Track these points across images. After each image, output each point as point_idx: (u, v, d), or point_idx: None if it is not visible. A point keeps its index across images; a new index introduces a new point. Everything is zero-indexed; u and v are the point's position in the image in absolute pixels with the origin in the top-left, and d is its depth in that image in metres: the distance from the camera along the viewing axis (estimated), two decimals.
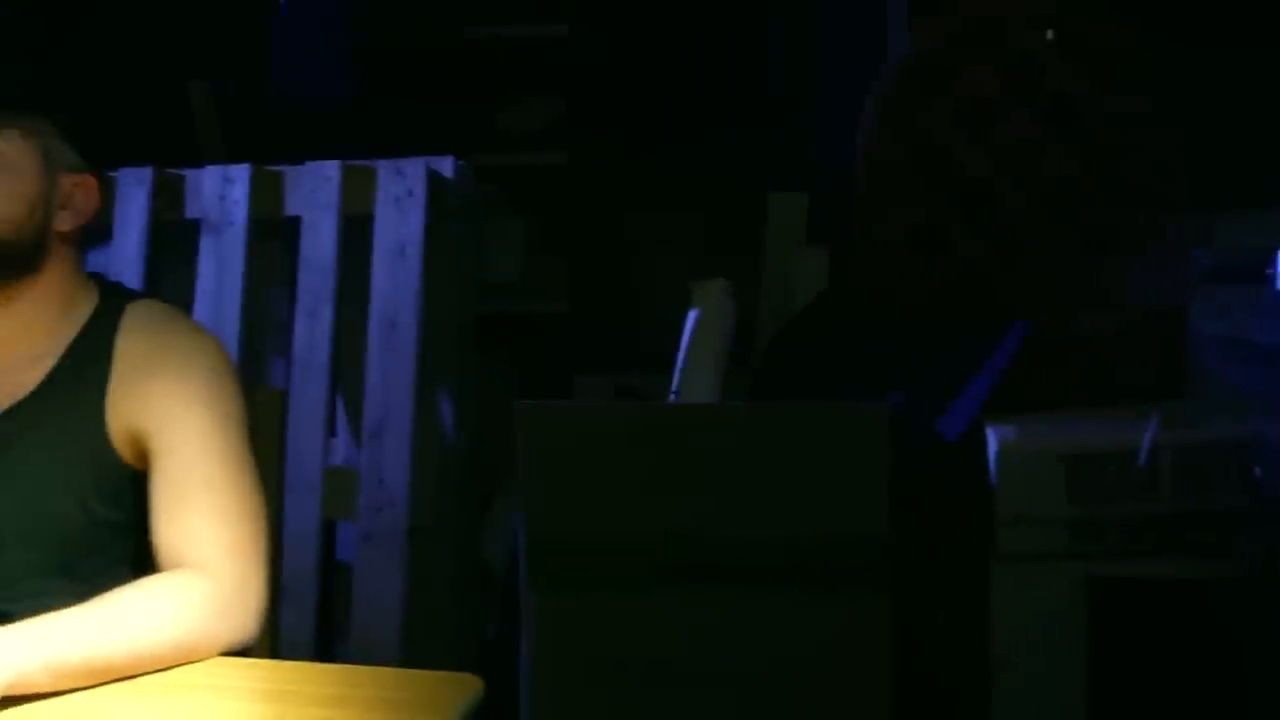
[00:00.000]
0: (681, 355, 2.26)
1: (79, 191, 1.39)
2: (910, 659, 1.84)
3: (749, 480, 1.82)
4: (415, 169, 2.29)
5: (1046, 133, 2.26)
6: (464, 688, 1.14)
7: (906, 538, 1.86)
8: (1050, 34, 2.26)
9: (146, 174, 2.42)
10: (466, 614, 2.51)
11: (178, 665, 1.20)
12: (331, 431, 2.35)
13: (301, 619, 2.18)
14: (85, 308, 1.42)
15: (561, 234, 3.35)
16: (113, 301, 1.43)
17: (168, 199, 2.44)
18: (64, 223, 1.38)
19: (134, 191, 2.42)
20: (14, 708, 1.09)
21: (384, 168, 2.31)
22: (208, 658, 1.22)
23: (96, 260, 2.35)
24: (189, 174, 2.45)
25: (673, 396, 2.23)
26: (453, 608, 2.43)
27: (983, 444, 1.91)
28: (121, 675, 1.16)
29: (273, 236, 2.44)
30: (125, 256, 2.39)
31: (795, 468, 1.81)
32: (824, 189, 2.63)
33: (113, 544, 1.39)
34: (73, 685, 1.13)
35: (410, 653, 2.18)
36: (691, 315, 2.29)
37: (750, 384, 2.30)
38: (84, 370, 1.38)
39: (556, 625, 1.87)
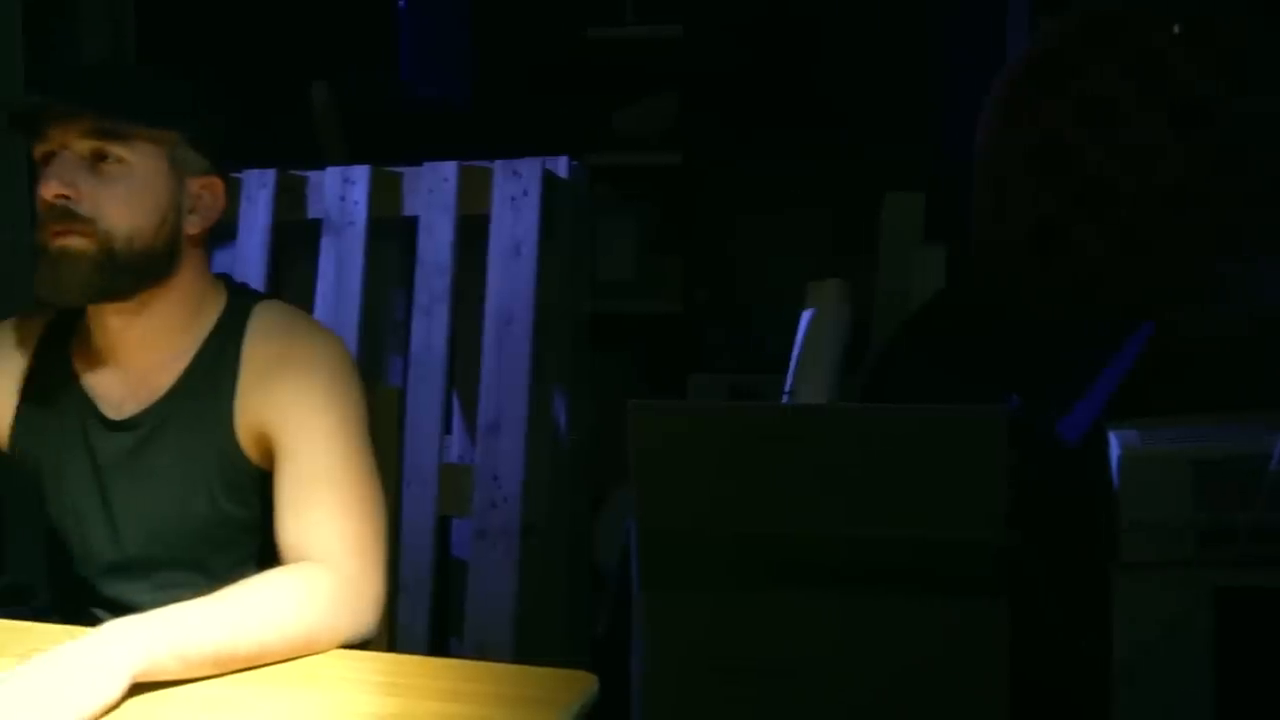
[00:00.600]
0: (796, 355, 2.25)
1: (206, 194, 1.42)
2: (1026, 666, 1.80)
3: (863, 482, 1.80)
4: (531, 169, 2.31)
5: (1172, 131, 2.20)
6: (579, 685, 1.14)
7: (1024, 542, 1.83)
8: (1176, 30, 2.20)
9: (270, 176, 2.48)
10: (577, 611, 2.52)
11: (300, 656, 1.22)
12: (447, 429, 2.38)
13: (416, 613, 2.21)
14: (214, 309, 1.46)
15: (675, 233, 3.35)
16: (240, 303, 1.47)
17: (290, 200, 2.49)
18: (193, 226, 1.42)
19: (258, 193, 2.47)
20: (144, 694, 1.12)
21: (500, 168, 2.33)
22: (329, 650, 1.24)
23: (222, 260, 2.41)
24: (310, 175, 2.50)
25: (786, 397, 2.22)
26: (564, 604, 2.44)
27: (1104, 448, 1.87)
28: (247, 665, 1.19)
29: (391, 236, 2.47)
30: (249, 256, 2.45)
31: (911, 470, 1.79)
32: (941, 188, 2.59)
33: (240, 542, 1.42)
34: (200, 673, 1.16)
35: (522, 648, 2.20)
36: (806, 315, 2.27)
37: (865, 384, 2.28)
38: (213, 372, 1.42)
39: (667, 623, 1.87)
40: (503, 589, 2.21)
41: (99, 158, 1.34)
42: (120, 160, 1.34)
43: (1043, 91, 2.23)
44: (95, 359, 1.45)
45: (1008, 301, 2.23)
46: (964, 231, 2.36)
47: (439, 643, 2.31)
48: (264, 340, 1.42)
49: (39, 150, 1.36)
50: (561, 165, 2.39)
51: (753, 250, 3.24)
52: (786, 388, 2.22)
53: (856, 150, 3.13)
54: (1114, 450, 1.84)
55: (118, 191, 1.34)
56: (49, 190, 1.32)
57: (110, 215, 1.34)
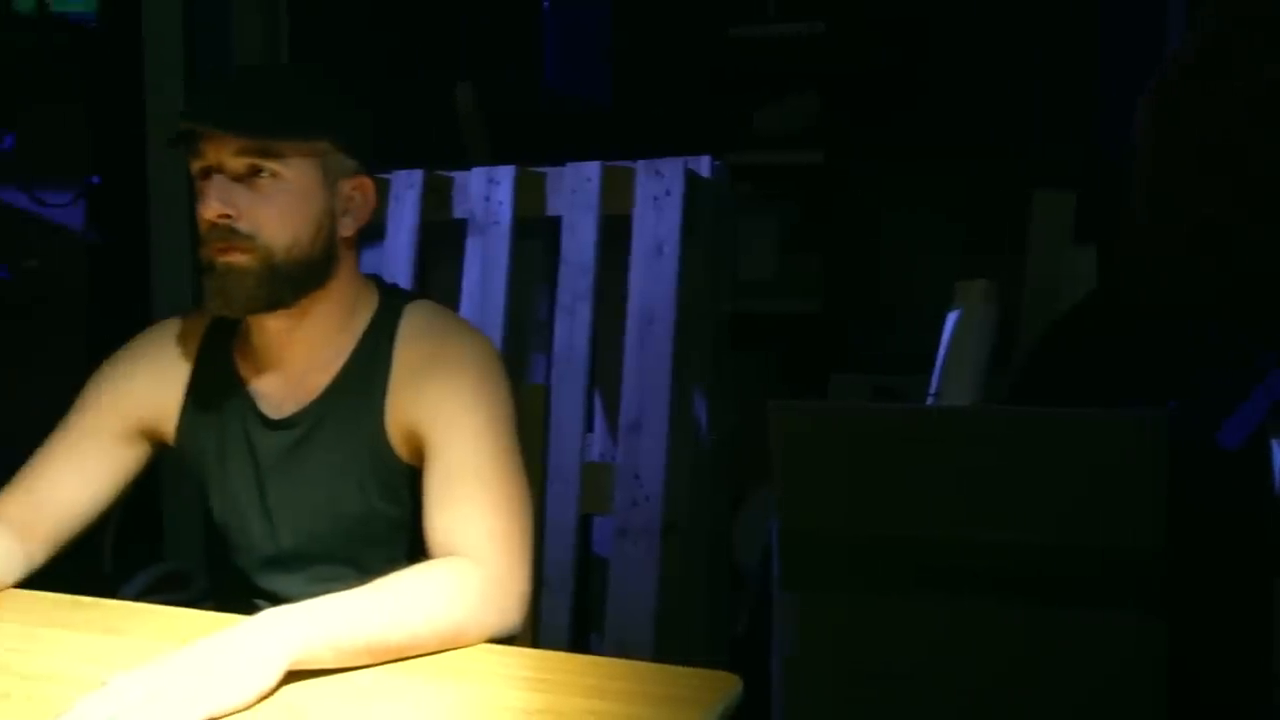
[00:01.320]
0: (941, 356, 2.21)
1: (358, 194, 1.46)
2: (1182, 683, 1.75)
3: (1012, 487, 1.76)
4: (673, 169, 2.31)
5: None
6: (723, 686, 1.14)
7: (1180, 551, 1.77)
8: None
9: (417, 176, 2.52)
10: (717, 610, 2.51)
11: (447, 649, 1.24)
12: (588, 427, 2.39)
13: (558, 610, 2.23)
14: (367, 310, 1.49)
15: (816, 232, 3.33)
16: (391, 303, 1.50)
17: (436, 200, 2.53)
18: (347, 228, 1.45)
19: (405, 193, 2.52)
20: (298, 681, 1.15)
21: (643, 168, 2.34)
22: (475, 643, 1.26)
23: (369, 259, 2.46)
24: (456, 176, 2.53)
25: (931, 398, 2.18)
26: (704, 604, 2.44)
27: (1268, 455, 1.80)
28: (397, 656, 1.21)
29: (534, 236, 2.50)
30: (396, 256, 2.49)
31: (1063, 476, 1.74)
32: (1093, 187, 2.52)
33: (391, 539, 1.45)
34: (352, 663, 1.18)
35: (662, 647, 2.20)
36: (952, 316, 2.23)
37: (1013, 386, 2.23)
38: (366, 372, 1.45)
39: (807, 625, 1.85)
40: (643, 587, 2.21)
41: (254, 172, 1.38)
42: (275, 175, 1.38)
43: (1206, 86, 2.16)
44: (256, 360, 1.49)
45: (1166, 303, 2.16)
46: (1116, 231, 2.29)
47: (580, 639, 2.33)
48: (415, 341, 1.45)
49: (196, 166, 1.40)
50: (704, 164, 2.39)
51: (896, 249, 3.20)
52: (932, 389, 2.19)
53: (1002, 148, 3.07)
54: (1277, 457, 1.78)
55: (274, 206, 1.38)
56: (209, 211, 1.37)
57: (269, 230, 1.38)
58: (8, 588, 1.44)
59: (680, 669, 1.19)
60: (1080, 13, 3.05)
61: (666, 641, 2.22)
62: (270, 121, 1.37)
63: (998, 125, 3.10)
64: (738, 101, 3.36)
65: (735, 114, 3.33)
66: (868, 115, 3.23)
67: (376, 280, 1.55)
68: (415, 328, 1.47)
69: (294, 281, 1.40)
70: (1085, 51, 3.04)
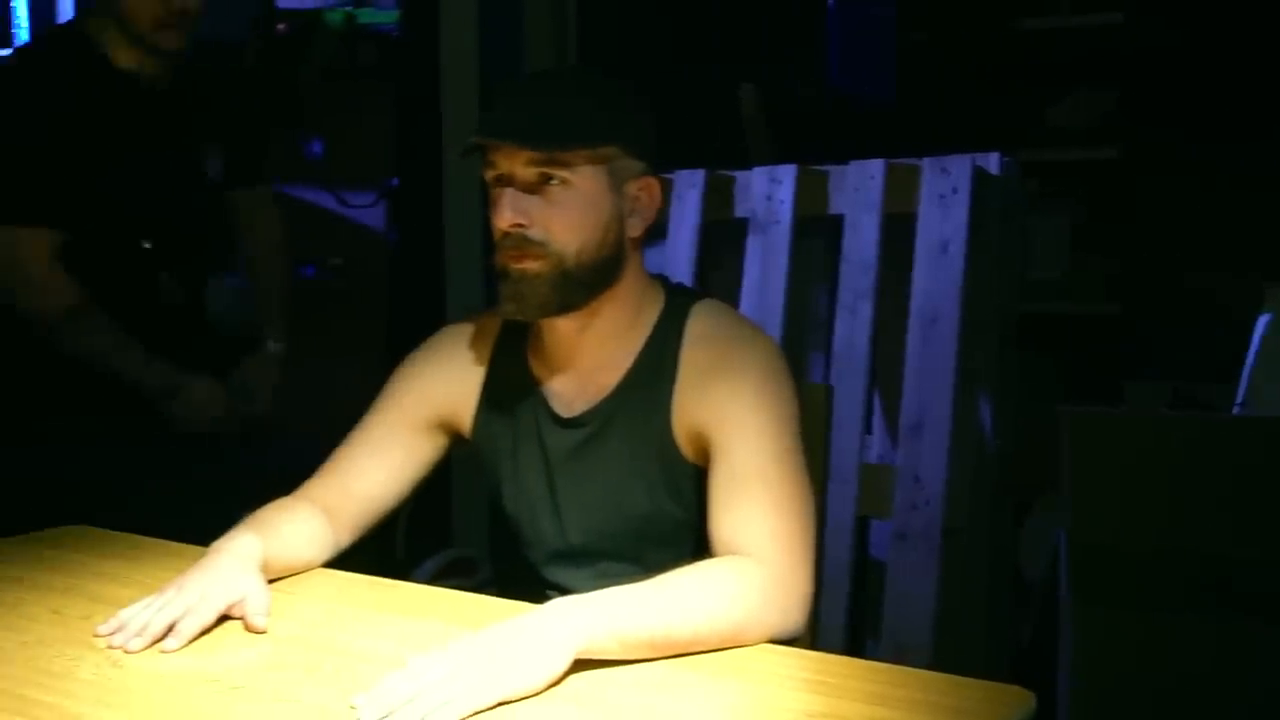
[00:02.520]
0: (1250, 363, 2.08)
1: (644, 194, 1.47)
2: None
3: None
4: (960, 166, 2.26)
5: None
6: (1014, 701, 1.10)
7: None
8: None
9: (699, 176, 2.54)
10: (998, 620, 2.44)
11: (728, 647, 1.24)
12: (867, 428, 2.36)
13: (834, 613, 2.21)
14: (654, 309, 1.51)
15: (1108, 232, 3.19)
16: (677, 303, 1.52)
17: (718, 199, 2.55)
18: (634, 228, 1.47)
19: (687, 193, 2.55)
20: (584, 671, 1.17)
21: (929, 165, 2.29)
22: (755, 643, 1.26)
23: (651, 258, 2.50)
24: (738, 175, 2.54)
25: (1238, 408, 2.06)
26: (985, 612, 2.37)
27: None
28: (679, 651, 1.22)
29: (815, 234, 2.48)
30: (678, 255, 2.53)
31: None
32: None
33: (676, 539, 1.47)
34: (635, 655, 1.20)
35: (941, 654, 2.16)
36: (1263, 320, 2.10)
37: None
38: (653, 372, 1.48)
39: (1099, 641, 1.78)
40: (922, 592, 2.17)
41: (544, 180, 1.41)
42: (564, 182, 1.41)
43: None
44: (548, 359, 1.54)
45: None
46: None
47: (856, 643, 2.30)
48: (701, 341, 1.47)
49: (489, 175, 1.45)
50: (992, 161, 2.32)
51: (1197, 249, 3.02)
52: (1238, 399, 2.06)
53: None
54: None
55: (565, 213, 1.41)
56: (503, 221, 1.41)
57: (560, 236, 1.41)
58: (316, 567, 1.54)
59: (967, 680, 1.16)
60: None
61: (945, 649, 2.17)
62: (559, 133, 1.40)
63: None
64: (1028, 96, 3.25)
65: (1025, 109, 3.23)
66: (1168, 108, 3.06)
67: (662, 279, 1.57)
68: (701, 328, 1.48)
69: (585, 285, 1.44)
70: None
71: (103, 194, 2.16)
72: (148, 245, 2.22)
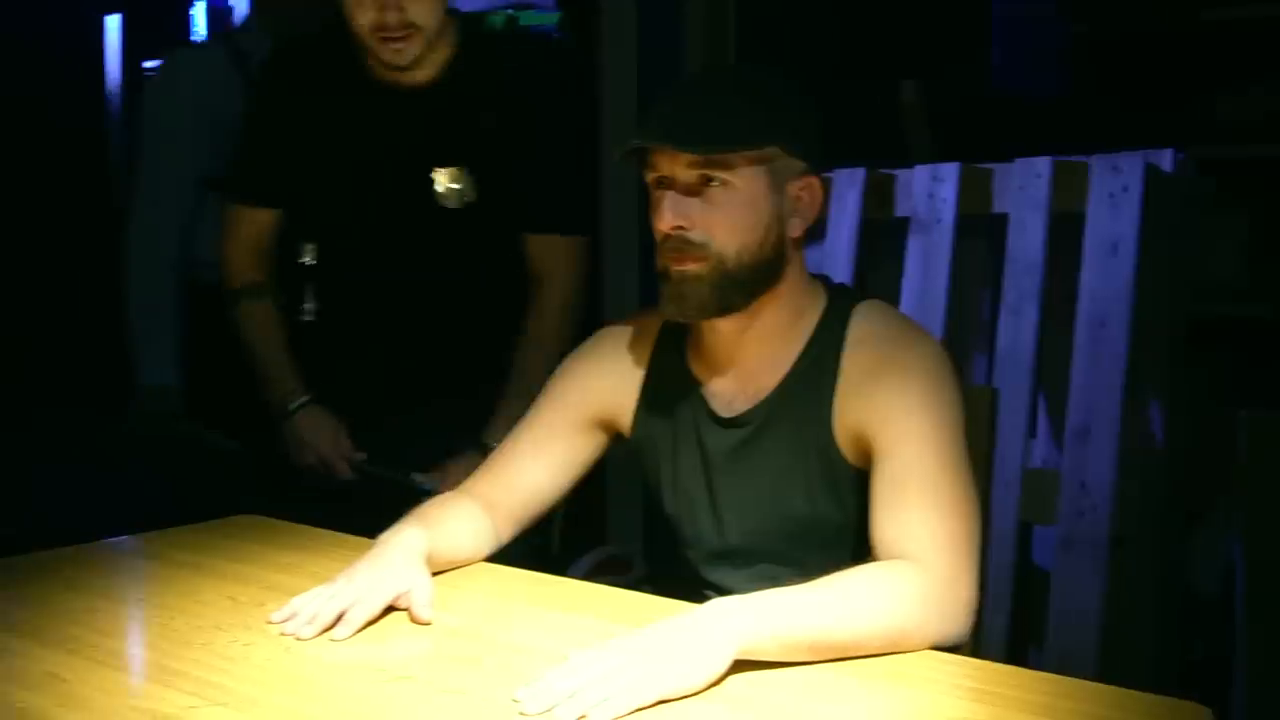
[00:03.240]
0: None
1: (805, 194, 1.47)
2: None
3: None
4: (1132, 164, 2.19)
5: None
6: (1191, 718, 1.06)
7: None
8: None
9: (859, 175, 2.52)
10: (1167, 632, 2.36)
11: (889, 653, 1.23)
12: (1031, 432, 2.31)
13: (996, 620, 2.17)
14: (815, 310, 1.50)
15: None
16: (840, 304, 1.50)
17: (878, 198, 2.52)
18: (795, 229, 1.46)
19: (847, 192, 2.52)
20: (743, 672, 1.17)
21: (1098, 163, 2.23)
22: (917, 649, 1.24)
23: (810, 257, 2.48)
24: (899, 174, 2.51)
25: None
26: (1153, 623, 2.30)
27: None
28: (839, 655, 1.21)
29: (978, 234, 2.44)
30: (837, 254, 2.50)
31: None
32: None
33: (835, 542, 1.46)
34: (795, 658, 1.19)
35: (1106, 665, 2.10)
36: None
37: None
38: (814, 373, 1.47)
39: (1276, 658, 1.71)
40: (1088, 602, 2.11)
41: (705, 182, 1.42)
42: (725, 184, 1.41)
43: None
44: (708, 359, 1.54)
45: None
46: None
47: (1018, 652, 2.25)
48: (864, 343, 1.45)
49: (650, 177, 1.46)
50: (1166, 159, 2.25)
51: None
52: None
53: None
54: None
55: (725, 215, 1.41)
56: (664, 223, 1.42)
57: (720, 238, 1.42)
58: (479, 560, 1.57)
59: (1137, 693, 1.12)
60: None
61: (1111, 660, 2.11)
62: (718, 135, 1.40)
63: None
64: (1203, 91, 3.13)
65: (1202, 104, 3.11)
66: None
67: (823, 279, 1.56)
68: (865, 329, 1.47)
69: (745, 286, 1.44)
70: None
71: (334, 199, 2.09)
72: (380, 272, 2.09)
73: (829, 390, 1.45)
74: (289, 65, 2.14)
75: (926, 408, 1.37)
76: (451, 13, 2.02)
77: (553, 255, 2.11)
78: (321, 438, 2.09)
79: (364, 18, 1.91)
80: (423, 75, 2.01)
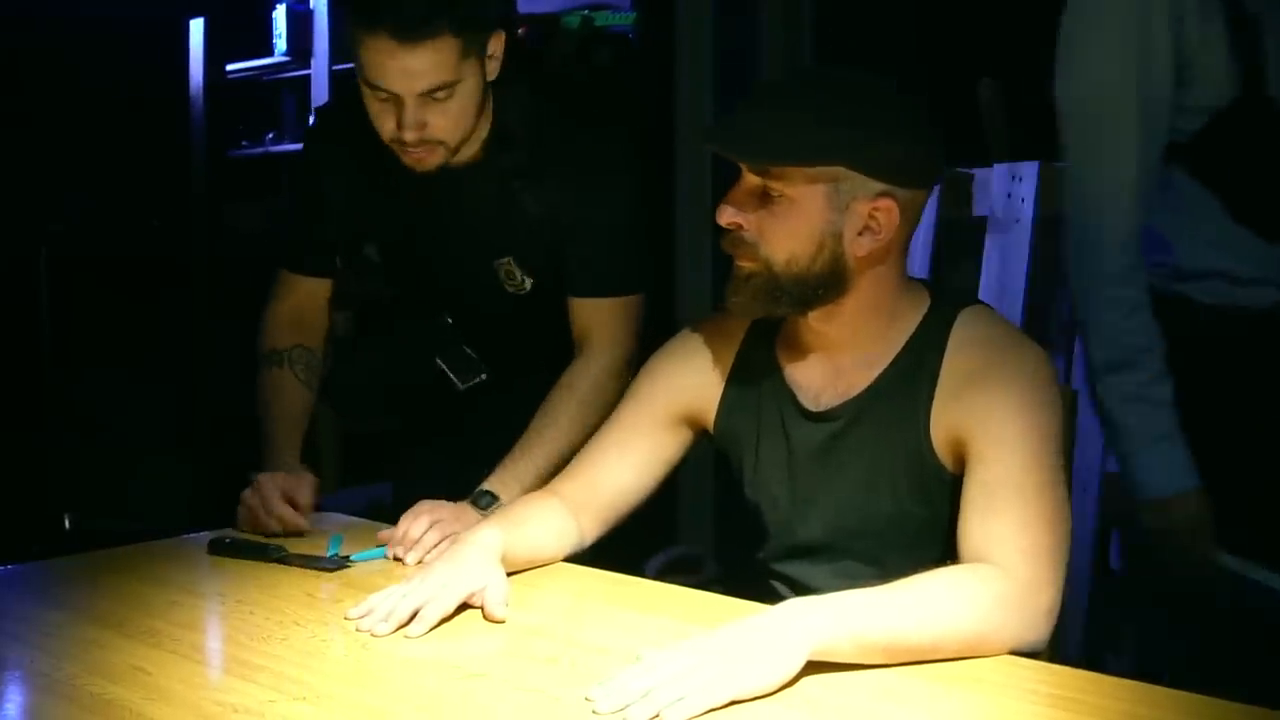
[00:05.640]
0: None
1: (880, 216, 1.41)
2: None
3: None
4: None
5: None
6: None
7: None
8: None
9: None
10: None
11: (967, 657, 1.22)
12: None
13: (1073, 625, 2.14)
14: (914, 313, 1.48)
15: None
16: (943, 307, 1.48)
17: (955, 197, 2.50)
18: (862, 248, 1.42)
19: None
20: (817, 674, 1.16)
21: None
22: (995, 654, 1.23)
23: None
24: (976, 173, 2.49)
25: None
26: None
27: None
28: (916, 658, 1.20)
29: (1057, 233, 2.40)
30: (912, 254, 2.45)
31: None
32: None
33: (920, 543, 1.45)
34: (871, 660, 1.19)
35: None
36: None
37: None
38: (913, 375, 1.45)
39: None
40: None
41: (764, 187, 1.42)
42: (782, 195, 1.41)
43: None
44: (796, 352, 1.54)
45: None
46: None
47: (1095, 657, 2.22)
48: (968, 347, 1.44)
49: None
50: None
51: None
52: None
53: None
54: None
55: (777, 223, 1.41)
56: (722, 217, 1.44)
57: (770, 243, 1.42)
58: (561, 560, 1.57)
59: (1225, 704, 1.10)
60: None
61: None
62: (774, 150, 1.40)
63: None
64: None
65: None
66: None
67: (926, 283, 1.54)
68: (969, 334, 1.45)
69: (792, 295, 1.43)
70: None
71: (378, 263, 2.04)
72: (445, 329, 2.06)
73: (928, 392, 1.44)
74: (332, 129, 2.06)
75: (1025, 414, 1.36)
76: (488, 87, 1.83)
77: (596, 317, 1.95)
78: (274, 489, 1.82)
79: (383, 127, 1.77)
80: (459, 159, 1.86)
